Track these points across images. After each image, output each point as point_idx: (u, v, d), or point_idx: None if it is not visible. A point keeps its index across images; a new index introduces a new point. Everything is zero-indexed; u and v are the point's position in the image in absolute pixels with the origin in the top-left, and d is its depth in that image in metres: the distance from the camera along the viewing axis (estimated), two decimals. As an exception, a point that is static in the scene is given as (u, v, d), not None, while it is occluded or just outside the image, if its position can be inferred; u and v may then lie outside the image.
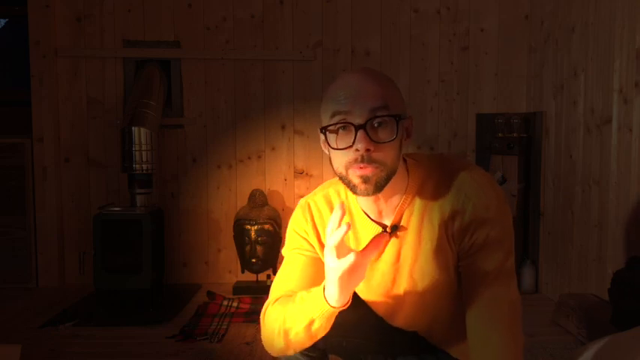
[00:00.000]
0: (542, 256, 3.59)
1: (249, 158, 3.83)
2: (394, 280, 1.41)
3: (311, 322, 1.31)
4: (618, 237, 2.74)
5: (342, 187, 1.44)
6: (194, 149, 3.81)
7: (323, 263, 1.26)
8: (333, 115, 1.29)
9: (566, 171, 3.27)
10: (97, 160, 3.79)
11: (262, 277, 3.61)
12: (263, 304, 1.51)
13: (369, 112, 1.24)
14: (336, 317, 1.31)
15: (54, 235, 3.71)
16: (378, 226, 1.38)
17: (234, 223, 3.56)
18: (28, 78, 3.67)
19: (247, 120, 3.81)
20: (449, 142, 3.85)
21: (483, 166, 3.75)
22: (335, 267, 1.20)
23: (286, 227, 1.55)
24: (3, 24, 4.48)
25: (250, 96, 3.80)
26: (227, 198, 3.83)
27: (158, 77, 3.67)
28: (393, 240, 1.38)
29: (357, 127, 1.24)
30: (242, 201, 3.73)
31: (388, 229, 1.37)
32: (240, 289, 3.56)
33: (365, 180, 1.25)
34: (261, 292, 3.51)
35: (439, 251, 1.34)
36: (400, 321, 1.49)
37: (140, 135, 3.35)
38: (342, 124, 1.27)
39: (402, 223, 1.36)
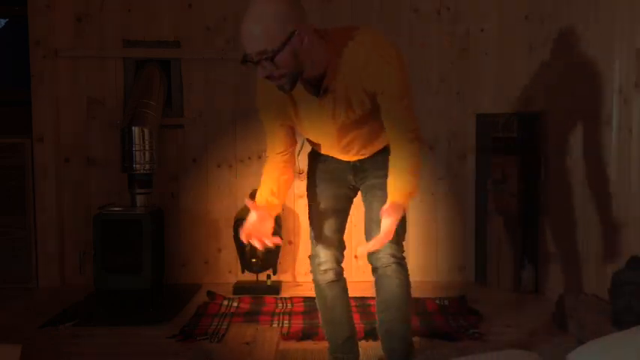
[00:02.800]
0: (542, 256, 3.59)
1: (249, 158, 3.83)
2: (334, 125, 2.00)
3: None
4: (618, 237, 2.74)
5: None
6: (194, 149, 3.81)
7: (282, 120, 2.04)
8: (245, 52, 1.83)
9: (566, 171, 3.27)
10: (97, 160, 3.79)
11: (262, 277, 3.62)
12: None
13: (256, 55, 1.78)
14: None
15: (54, 235, 3.71)
16: (311, 88, 1.92)
17: (234, 223, 3.56)
18: (28, 78, 3.67)
19: (247, 120, 3.80)
20: (449, 142, 3.85)
21: (483, 166, 3.75)
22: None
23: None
24: (3, 24, 4.48)
25: (250, 96, 3.77)
26: (227, 198, 3.83)
27: (158, 77, 3.67)
28: (328, 100, 1.93)
29: (255, 65, 1.79)
30: (242, 201, 3.71)
31: (318, 92, 1.92)
32: (240, 289, 3.56)
33: (279, 87, 1.84)
34: (261, 292, 3.52)
35: (360, 99, 1.93)
36: (350, 152, 2.12)
37: (140, 135, 3.35)
38: (254, 61, 1.80)
39: (329, 87, 1.90)
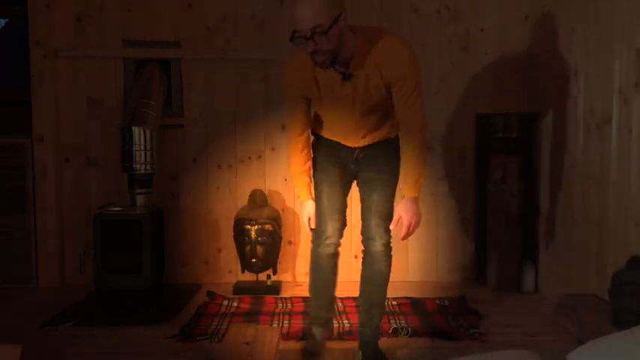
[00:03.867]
0: (542, 256, 3.59)
1: (249, 158, 3.83)
2: (353, 108, 2.32)
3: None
4: (618, 237, 2.74)
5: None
6: (194, 149, 3.81)
7: (304, 98, 2.38)
8: (296, 31, 2.15)
9: (566, 171, 3.27)
10: (97, 160, 3.79)
11: (262, 277, 3.62)
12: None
13: (310, 30, 2.11)
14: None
15: (54, 235, 3.71)
16: (337, 73, 2.25)
17: (235, 223, 3.57)
18: (28, 78, 3.67)
19: (247, 120, 3.81)
20: (449, 142, 3.85)
21: (483, 166, 3.75)
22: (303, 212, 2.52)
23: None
24: (3, 24, 4.48)
25: (250, 96, 3.80)
26: (227, 198, 3.83)
27: (158, 77, 3.67)
28: (351, 84, 2.26)
29: (307, 39, 2.12)
30: (242, 201, 3.73)
31: (343, 75, 2.25)
32: (240, 289, 3.56)
33: (320, 63, 2.18)
34: (261, 292, 3.52)
35: (378, 86, 2.26)
36: (357, 136, 2.42)
37: (140, 135, 3.35)
38: (306, 37, 2.13)
39: (354, 73, 2.24)
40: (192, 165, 3.82)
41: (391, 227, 2.45)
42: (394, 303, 3.33)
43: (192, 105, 3.80)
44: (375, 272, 2.51)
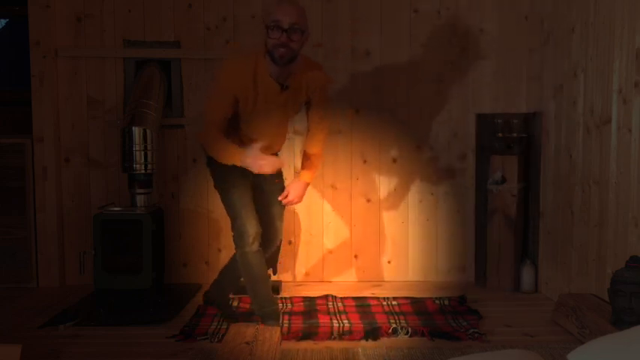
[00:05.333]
0: (542, 256, 3.59)
1: (249, 158, 3.82)
2: (280, 117, 2.79)
3: (229, 161, 2.69)
4: (618, 237, 2.74)
5: (253, 61, 2.64)
6: (194, 149, 3.81)
7: (235, 100, 2.63)
8: (278, 22, 2.50)
9: (566, 171, 3.27)
10: (97, 160, 3.79)
11: (262, 277, 3.61)
12: None
13: (290, 25, 2.49)
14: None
15: (54, 235, 3.71)
16: (276, 84, 2.64)
17: (234, 223, 3.57)
18: (28, 78, 3.67)
19: (247, 120, 3.80)
20: (449, 142, 3.85)
21: (483, 166, 3.75)
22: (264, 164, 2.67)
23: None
24: (3, 24, 4.48)
25: (250, 96, 3.79)
26: (227, 198, 3.82)
27: (158, 77, 3.67)
28: (285, 93, 2.68)
29: (283, 30, 2.52)
30: (242, 201, 3.72)
31: (282, 86, 2.65)
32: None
33: (281, 55, 2.54)
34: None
35: (302, 99, 2.79)
36: (272, 142, 2.85)
37: (140, 135, 3.35)
38: (284, 29, 2.51)
39: (290, 86, 2.67)
40: (193, 165, 3.82)
41: (280, 199, 2.89)
42: (394, 303, 3.34)
43: (192, 105, 3.80)
44: (261, 268, 2.92)
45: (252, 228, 2.80)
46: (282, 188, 2.94)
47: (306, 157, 3.00)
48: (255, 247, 2.81)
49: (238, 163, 2.67)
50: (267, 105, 2.66)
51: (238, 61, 2.67)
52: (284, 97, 2.68)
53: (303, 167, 3.01)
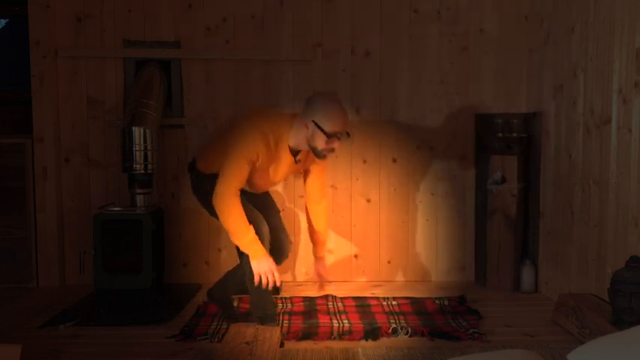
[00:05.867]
0: (542, 256, 3.59)
1: (249, 158, 3.82)
2: (282, 177, 2.95)
3: (237, 240, 2.74)
4: (618, 237, 2.74)
5: (277, 133, 2.76)
6: (194, 149, 3.81)
7: (255, 168, 2.73)
8: (337, 133, 2.72)
9: (566, 171, 3.27)
10: (97, 160, 3.79)
11: (262, 277, 3.61)
12: None
13: (344, 134, 2.78)
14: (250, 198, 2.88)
15: (54, 235, 3.71)
16: (292, 157, 2.83)
17: (234, 223, 3.57)
18: (28, 78, 3.67)
19: (247, 120, 3.80)
20: (449, 142, 3.85)
21: (483, 166, 3.76)
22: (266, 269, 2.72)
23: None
24: (3, 24, 4.48)
25: (250, 96, 3.80)
26: (227, 198, 3.82)
27: (158, 77, 3.67)
28: (297, 164, 2.88)
29: (337, 138, 2.76)
30: (242, 201, 3.72)
31: (296, 159, 2.86)
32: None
33: (323, 154, 2.77)
34: (261, 292, 3.51)
35: (304, 169, 3.01)
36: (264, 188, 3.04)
37: (140, 135, 3.35)
38: (336, 137, 2.75)
39: (300, 160, 2.88)
40: (192, 165, 3.81)
41: (318, 290, 3.20)
42: (394, 303, 3.34)
43: (192, 105, 3.80)
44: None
45: (265, 229, 2.83)
46: (272, 199, 3.17)
47: (312, 231, 3.13)
48: (267, 248, 2.81)
49: (243, 245, 2.72)
50: (278, 167, 2.85)
51: (262, 132, 2.72)
52: (295, 167, 2.92)
53: (312, 241, 3.15)
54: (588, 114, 3.02)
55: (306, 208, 3.14)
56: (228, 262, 3.81)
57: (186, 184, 3.79)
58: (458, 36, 3.81)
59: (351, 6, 3.79)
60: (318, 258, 3.15)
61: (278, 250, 2.99)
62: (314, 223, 3.11)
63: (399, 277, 3.89)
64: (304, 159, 2.92)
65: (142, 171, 3.38)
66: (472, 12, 3.81)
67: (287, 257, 3.14)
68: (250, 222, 2.72)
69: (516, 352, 1.77)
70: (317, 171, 3.03)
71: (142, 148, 3.36)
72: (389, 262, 3.89)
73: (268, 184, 2.98)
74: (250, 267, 2.73)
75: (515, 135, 3.65)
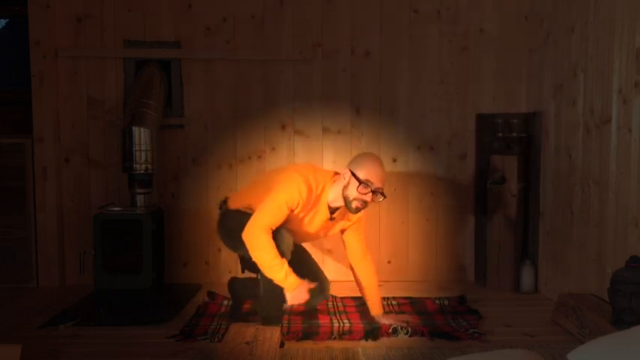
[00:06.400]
0: (542, 256, 3.59)
1: (249, 158, 3.83)
2: (316, 232, 2.92)
3: (271, 274, 2.68)
4: (618, 237, 2.74)
5: (320, 184, 2.78)
6: (194, 149, 3.81)
7: (291, 214, 2.72)
8: (369, 182, 2.72)
9: (566, 171, 3.27)
10: (97, 160, 3.79)
11: (262, 277, 3.61)
12: None
13: (380, 189, 2.74)
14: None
15: (54, 235, 3.71)
16: (328, 213, 2.82)
17: (234, 223, 3.57)
18: (28, 78, 3.67)
19: (247, 120, 3.81)
20: (449, 142, 3.85)
21: (483, 166, 3.76)
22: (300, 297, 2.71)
23: None
24: (3, 24, 4.49)
25: (250, 96, 3.80)
26: (227, 198, 3.83)
27: (158, 77, 3.67)
28: (331, 222, 2.87)
29: (372, 192, 2.74)
30: (242, 201, 3.72)
31: (331, 218, 2.85)
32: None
33: (357, 209, 2.78)
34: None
35: (339, 229, 2.96)
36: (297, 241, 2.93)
37: (140, 135, 3.35)
38: (372, 190, 2.73)
39: (335, 218, 2.87)
40: (192, 165, 3.82)
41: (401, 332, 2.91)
42: (394, 303, 3.34)
43: (192, 105, 3.80)
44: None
45: (289, 240, 2.78)
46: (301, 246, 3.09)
47: (362, 288, 3.05)
48: (288, 257, 2.75)
49: (278, 280, 2.67)
50: (310, 224, 2.84)
51: (307, 182, 2.73)
52: (329, 225, 2.88)
53: (367, 300, 3.02)
54: (588, 114, 3.02)
55: (351, 268, 3.03)
56: (228, 262, 3.82)
57: (187, 184, 3.82)
58: (458, 36, 3.81)
59: (351, 6, 3.79)
60: (380, 315, 2.96)
61: (321, 291, 2.94)
62: (363, 280, 3.00)
63: (399, 277, 3.89)
64: (339, 218, 2.87)
65: (142, 171, 3.38)
66: (472, 12, 3.81)
67: (328, 298, 3.14)
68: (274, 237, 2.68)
69: (516, 352, 1.77)
70: (354, 227, 2.95)
71: (142, 148, 3.36)
72: (389, 262, 3.89)
73: (299, 236, 2.88)
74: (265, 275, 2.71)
75: (515, 135, 3.65)
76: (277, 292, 2.72)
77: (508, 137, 3.67)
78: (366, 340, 2.77)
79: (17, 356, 2.14)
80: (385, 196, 2.76)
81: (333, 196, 2.79)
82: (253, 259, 2.69)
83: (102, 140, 3.79)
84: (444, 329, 2.88)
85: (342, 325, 2.96)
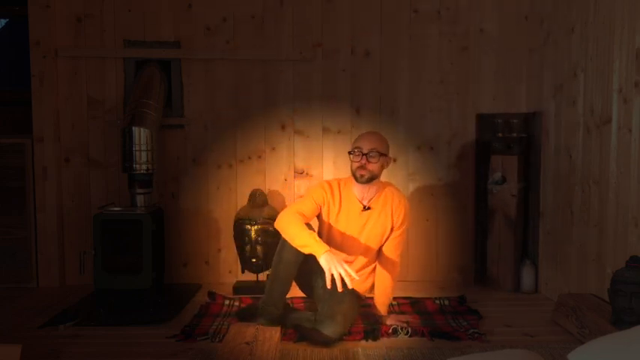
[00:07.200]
0: (542, 256, 3.59)
1: (249, 158, 3.83)
2: (359, 234, 2.94)
3: (303, 247, 2.70)
4: (618, 237, 2.74)
5: (342, 181, 2.98)
6: (194, 149, 3.81)
7: (319, 209, 2.92)
8: (358, 147, 2.84)
9: (566, 171, 3.27)
10: (97, 160, 3.79)
11: (262, 277, 3.61)
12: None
13: (369, 150, 2.83)
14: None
15: (54, 235, 3.71)
16: (360, 204, 2.92)
17: (235, 222, 3.57)
18: (28, 78, 3.67)
19: (247, 120, 3.81)
20: (449, 142, 3.85)
21: (483, 166, 3.76)
22: (336, 262, 2.58)
23: None
24: (3, 24, 4.49)
25: (250, 96, 3.80)
26: (227, 198, 3.83)
27: (158, 77, 3.67)
28: (365, 216, 2.92)
29: (363, 154, 2.84)
30: (242, 201, 3.73)
31: (364, 207, 2.92)
32: (240, 289, 3.56)
33: (360, 176, 2.85)
34: (261, 292, 3.50)
35: (383, 230, 2.96)
36: (347, 253, 2.97)
37: (140, 135, 3.35)
38: (364, 154, 2.83)
39: (371, 208, 2.93)
40: (192, 165, 3.82)
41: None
42: (394, 303, 3.33)
43: (192, 105, 3.80)
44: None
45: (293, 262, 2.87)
46: None
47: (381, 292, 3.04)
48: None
49: (309, 249, 2.66)
50: (347, 222, 2.93)
51: (329, 182, 2.98)
52: (365, 217, 2.92)
53: (381, 302, 3.03)
54: (588, 114, 3.02)
55: (375, 267, 3.05)
56: (228, 262, 3.83)
57: (187, 184, 3.82)
58: (458, 36, 3.81)
59: (351, 6, 3.79)
60: (381, 316, 3.00)
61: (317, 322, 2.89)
62: (378, 283, 3.02)
63: (400, 277, 3.88)
64: (378, 209, 2.91)
65: (142, 171, 3.38)
66: (472, 12, 3.81)
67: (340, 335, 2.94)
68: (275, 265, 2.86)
69: (516, 352, 1.77)
70: (393, 237, 2.97)
71: (142, 148, 3.36)
72: (389, 262, 3.89)
73: (348, 242, 2.93)
74: (278, 251, 2.86)
75: (515, 135, 3.65)
76: (284, 286, 2.84)
77: (508, 137, 3.67)
78: (366, 340, 2.77)
79: (17, 356, 2.14)
80: (382, 154, 2.84)
81: (356, 188, 2.93)
82: (286, 238, 2.78)
83: (102, 140, 3.79)
84: (444, 329, 2.88)
85: (342, 325, 2.96)
